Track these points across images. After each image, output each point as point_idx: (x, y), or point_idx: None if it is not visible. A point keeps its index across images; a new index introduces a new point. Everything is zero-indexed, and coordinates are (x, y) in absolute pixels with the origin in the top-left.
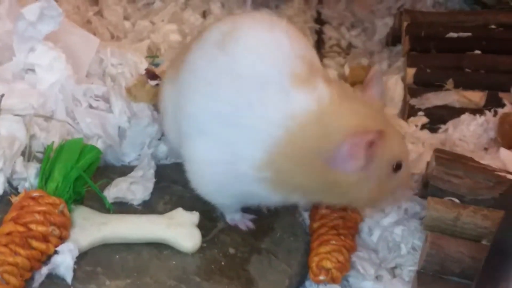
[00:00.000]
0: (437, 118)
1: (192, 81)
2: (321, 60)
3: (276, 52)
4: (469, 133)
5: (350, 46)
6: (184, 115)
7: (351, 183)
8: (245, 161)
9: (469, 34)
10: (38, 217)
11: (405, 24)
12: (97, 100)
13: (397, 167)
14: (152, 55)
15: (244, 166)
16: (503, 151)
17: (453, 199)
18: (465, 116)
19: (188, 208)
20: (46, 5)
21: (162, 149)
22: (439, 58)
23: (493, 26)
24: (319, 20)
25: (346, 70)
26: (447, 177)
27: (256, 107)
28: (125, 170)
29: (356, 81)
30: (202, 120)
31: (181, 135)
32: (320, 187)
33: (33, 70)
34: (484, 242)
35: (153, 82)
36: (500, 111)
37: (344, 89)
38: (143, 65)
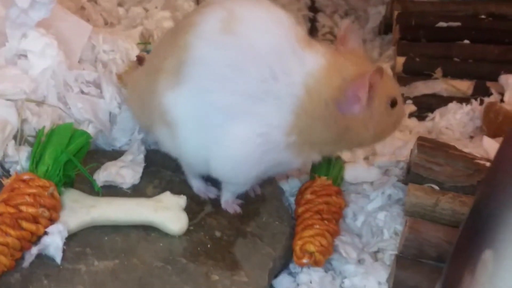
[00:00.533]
0: (425, 106)
1: (210, 75)
2: None
3: (281, 24)
4: (455, 121)
5: None
6: (211, 109)
7: (360, 124)
8: (277, 128)
9: (459, 23)
10: (28, 199)
11: (396, 13)
12: (89, 86)
13: (393, 103)
14: (145, 41)
15: (277, 134)
16: (486, 140)
17: (433, 185)
18: (452, 105)
19: (177, 192)
20: None
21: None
22: (428, 47)
23: (482, 16)
24: (313, 8)
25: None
26: (428, 164)
27: (279, 77)
28: (115, 155)
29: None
30: (233, 106)
31: (207, 133)
32: (335, 137)
33: (25, 56)
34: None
35: None
36: (487, 100)
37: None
38: (135, 51)
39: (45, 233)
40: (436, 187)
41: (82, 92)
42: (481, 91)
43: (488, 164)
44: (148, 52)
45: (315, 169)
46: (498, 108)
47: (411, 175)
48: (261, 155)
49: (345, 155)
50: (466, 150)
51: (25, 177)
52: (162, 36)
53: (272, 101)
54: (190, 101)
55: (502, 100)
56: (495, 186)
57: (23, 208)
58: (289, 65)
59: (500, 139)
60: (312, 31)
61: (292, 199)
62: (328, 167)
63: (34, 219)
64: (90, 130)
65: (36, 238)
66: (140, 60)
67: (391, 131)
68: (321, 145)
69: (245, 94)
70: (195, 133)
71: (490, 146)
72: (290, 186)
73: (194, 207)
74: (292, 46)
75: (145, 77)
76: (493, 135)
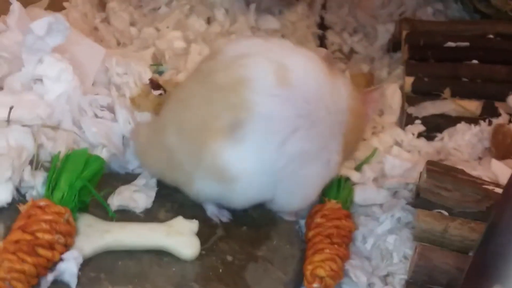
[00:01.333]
0: (434, 126)
1: (281, 128)
2: None
3: (318, 66)
4: (463, 142)
5: (352, 51)
6: (284, 159)
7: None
8: (336, 153)
9: (467, 43)
10: (44, 225)
11: (404, 33)
12: (103, 110)
13: None
14: (157, 63)
15: (336, 158)
16: (495, 163)
17: (442, 211)
18: (461, 125)
19: (189, 216)
20: (54, 20)
21: None
22: (437, 67)
23: (491, 36)
24: (322, 25)
25: (347, 76)
26: (436, 189)
27: (333, 111)
28: (128, 178)
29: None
30: (309, 151)
31: (275, 180)
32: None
33: (41, 81)
34: (471, 254)
35: (156, 92)
36: (495, 120)
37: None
38: (147, 74)
39: (61, 259)
40: (445, 213)
41: (96, 116)
42: (489, 111)
43: (496, 189)
44: (160, 73)
45: (325, 192)
46: (506, 130)
47: (420, 200)
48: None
49: (355, 177)
50: (474, 173)
51: (41, 203)
52: (185, 96)
53: (332, 133)
54: (258, 155)
55: (510, 121)
56: (501, 223)
57: (40, 235)
58: (335, 98)
59: (509, 161)
60: (322, 46)
61: (302, 222)
62: (337, 190)
63: (50, 246)
64: (104, 153)
65: (52, 264)
66: (152, 84)
67: None
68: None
69: (319, 138)
70: (259, 183)
71: (498, 169)
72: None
73: (206, 231)
74: (329, 80)
75: (176, 137)
76: (501, 157)
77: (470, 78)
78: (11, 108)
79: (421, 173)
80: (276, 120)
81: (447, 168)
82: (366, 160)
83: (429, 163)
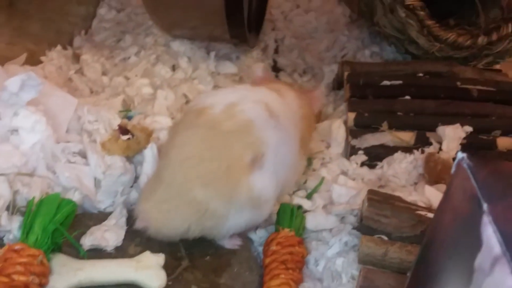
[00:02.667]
0: (375, 156)
1: (282, 151)
2: None
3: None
4: (400, 169)
5: None
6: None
7: None
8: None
9: (400, 82)
10: (19, 268)
11: (346, 74)
12: (75, 156)
13: None
14: (126, 109)
15: None
16: (428, 189)
17: (382, 236)
18: (398, 154)
19: (156, 248)
20: (26, 77)
21: (134, 195)
22: (375, 103)
23: (420, 74)
24: (275, 68)
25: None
26: (377, 217)
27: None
28: (100, 216)
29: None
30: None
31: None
32: None
33: (17, 131)
34: (408, 274)
35: (124, 137)
36: (427, 149)
37: None
38: (116, 121)
39: None
40: (385, 238)
41: (69, 161)
42: (422, 141)
43: (429, 214)
44: (129, 118)
45: (279, 221)
46: (437, 158)
47: (363, 226)
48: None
49: (306, 205)
50: (411, 198)
51: (17, 247)
52: (196, 153)
53: (295, 138)
54: (272, 176)
55: (440, 149)
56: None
57: (15, 277)
58: (292, 112)
59: (440, 185)
60: None
61: (260, 249)
62: (291, 219)
63: (26, 287)
64: (77, 196)
65: None
66: (121, 129)
67: None
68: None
69: (291, 143)
70: (274, 195)
71: (431, 194)
72: (258, 236)
73: (172, 262)
74: (284, 101)
75: (203, 189)
76: (434, 182)
77: (404, 112)
78: None
79: (363, 201)
80: (275, 144)
81: (386, 196)
82: (316, 189)
83: (370, 192)
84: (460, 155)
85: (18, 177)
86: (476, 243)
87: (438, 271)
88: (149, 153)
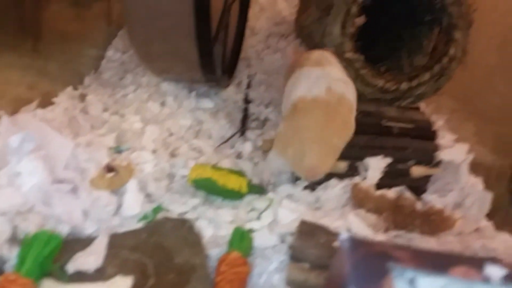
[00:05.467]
0: (316, 181)
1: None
2: (244, 133)
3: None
4: (333, 194)
5: (266, 119)
6: None
7: None
8: None
9: None
10: None
11: None
12: (67, 193)
13: None
14: (117, 145)
15: None
16: (351, 216)
17: (305, 264)
18: (332, 181)
19: (130, 268)
20: (25, 135)
21: (116, 221)
22: None
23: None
24: (247, 100)
25: (260, 142)
26: (302, 248)
27: None
28: (86, 242)
29: (267, 149)
30: None
31: None
32: None
33: (20, 174)
34: None
35: (110, 174)
36: (357, 178)
37: None
38: (104, 160)
39: None
40: (307, 265)
41: (62, 197)
42: (353, 169)
43: None
44: (120, 151)
45: (231, 243)
46: (360, 188)
47: (292, 254)
48: None
49: (256, 225)
50: (336, 223)
51: (11, 277)
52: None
53: None
54: None
55: (366, 177)
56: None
57: None
58: None
59: (361, 211)
60: (245, 118)
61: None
62: (240, 242)
63: None
64: (66, 228)
65: None
66: (107, 168)
67: None
68: None
69: None
70: None
71: (352, 221)
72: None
73: (140, 281)
74: None
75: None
76: (358, 206)
77: None
78: None
79: (295, 231)
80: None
81: (313, 227)
82: (265, 210)
83: (301, 224)
84: (343, 236)
85: (18, 214)
86: None
87: None
88: (131, 186)
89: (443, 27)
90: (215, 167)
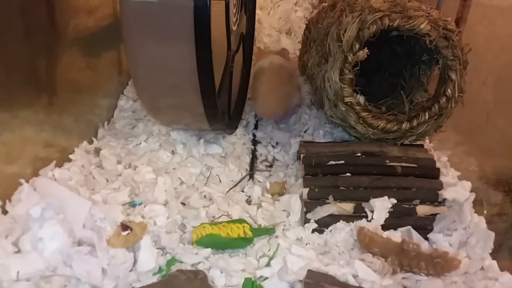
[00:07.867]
0: (323, 223)
1: None
2: (253, 176)
3: None
4: (340, 237)
5: (274, 159)
6: None
7: None
8: None
9: (343, 161)
10: None
11: (302, 155)
12: (86, 254)
13: None
14: (131, 201)
15: None
16: (357, 263)
17: None
18: (339, 224)
19: None
20: (45, 205)
21: (132, 277)
22: (323, 180)
23: (358, 154)
24: (254, 141)
25: (267, 184)
26: None
27: None
28: None
29: (274, 192)
30: None
31: None
32: None
33: (42, 239)
34: None
35: (124, 232)
36: (364, 220)
37: None
38: (119, 218)
39: None
40: None
41: (82, 258)
42: (359, 210)
43: None
44: (134, 206)
45: None
46: (365, 231)
47: None
48: None
49: (266, 272)
50: (343, 270)
51: None
52: None
53: None
54: None
55: (372, 217)
56: None
57: None
58: None
59: (368, 255)
60: (253, 159)
61: None
62: None
63: None
64: (86, 287)
65: None
66: (122, 226)
67: None
68: None
69: None
70: None
71: (358, 267)
72: None
73: None
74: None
75: None
76: (364, 249)
77: (346, 186)
78: (18, 272)
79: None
80: None
81: (320, 278)
82: (274, 256)
83: (308, 274)
84: None
85: (42, 278)
86: None
87: None
88: (145, 242)
89: (440, 67)
90: (213, 223)
